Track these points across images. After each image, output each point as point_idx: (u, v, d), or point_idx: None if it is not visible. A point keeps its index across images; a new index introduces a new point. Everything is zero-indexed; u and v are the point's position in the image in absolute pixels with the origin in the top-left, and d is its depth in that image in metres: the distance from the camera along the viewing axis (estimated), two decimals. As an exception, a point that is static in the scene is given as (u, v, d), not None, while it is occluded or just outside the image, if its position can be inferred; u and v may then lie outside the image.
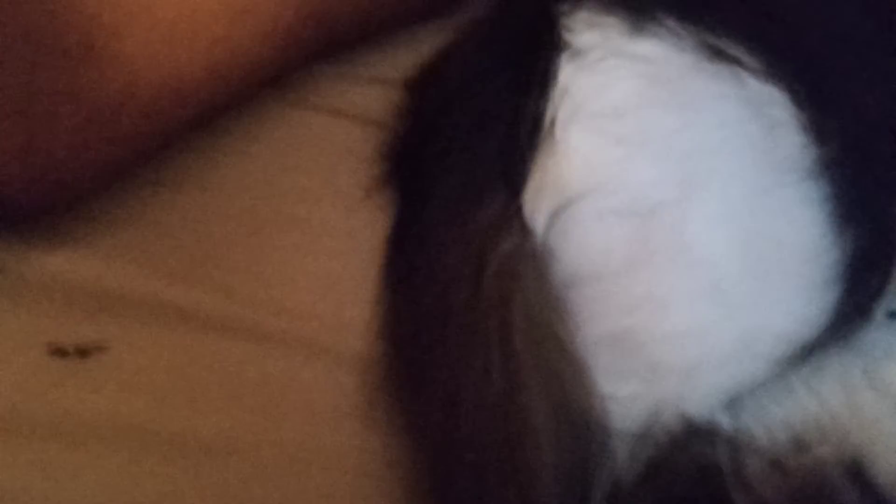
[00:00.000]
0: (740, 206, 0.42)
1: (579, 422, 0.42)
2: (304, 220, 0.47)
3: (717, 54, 0.43)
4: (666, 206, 0.43)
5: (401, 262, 0.47)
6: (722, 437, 0.39)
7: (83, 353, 0.40)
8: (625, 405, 0.43)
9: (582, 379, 0.43)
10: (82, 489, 0.40)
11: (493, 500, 0.40)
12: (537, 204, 0.45)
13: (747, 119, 0.42)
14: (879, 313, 0.43)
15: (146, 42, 0.41)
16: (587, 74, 0.44)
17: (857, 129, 0.42)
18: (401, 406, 0.43)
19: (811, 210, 0.42)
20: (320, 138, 0.49)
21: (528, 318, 0.43)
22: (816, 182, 0.42)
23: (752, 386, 0.43)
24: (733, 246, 0.42)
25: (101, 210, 0.44)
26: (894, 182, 0.43)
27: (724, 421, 0.42)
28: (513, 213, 0.45)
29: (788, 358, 0.42)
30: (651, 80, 0.44)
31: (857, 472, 0.36)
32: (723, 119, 0.43)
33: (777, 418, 0.41)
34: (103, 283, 0.43)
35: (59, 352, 0.40)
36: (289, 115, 0.50)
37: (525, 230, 0.45)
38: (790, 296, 0.42)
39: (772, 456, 0.38)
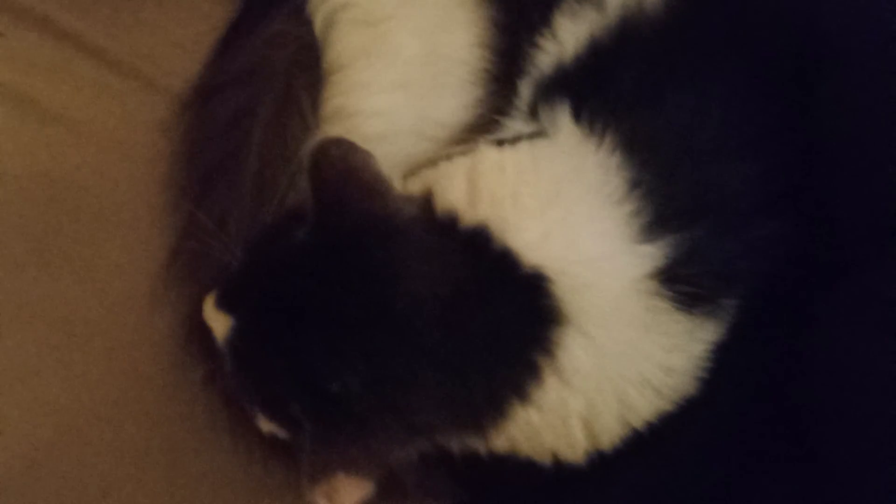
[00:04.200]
0: (428, 24, 0.59)
1: (287, 155, 0.60)
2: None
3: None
4: (386, 19, 0.60)
5: (230, 33, 0.66)
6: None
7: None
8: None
9: (306, 131, 0.61)
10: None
11: (217, 185, 0.59)
12: (316, 8, 0.63)
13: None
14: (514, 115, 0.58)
15: None
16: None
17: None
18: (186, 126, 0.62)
19: (473, 31, 0.58)
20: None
21: (283, 82, 0.62)
22: (478, 11, 0.58)
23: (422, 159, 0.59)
24: (420, 53, 0.59)
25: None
26: (535, 18, 0.56)
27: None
28: (300, 12, 0.63)
29: (446, 139, 0.59)
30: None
31: (427, 203, 0.52)
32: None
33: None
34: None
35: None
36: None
37: (307, 25, 0.63)
38: (450, 93, 0.58)
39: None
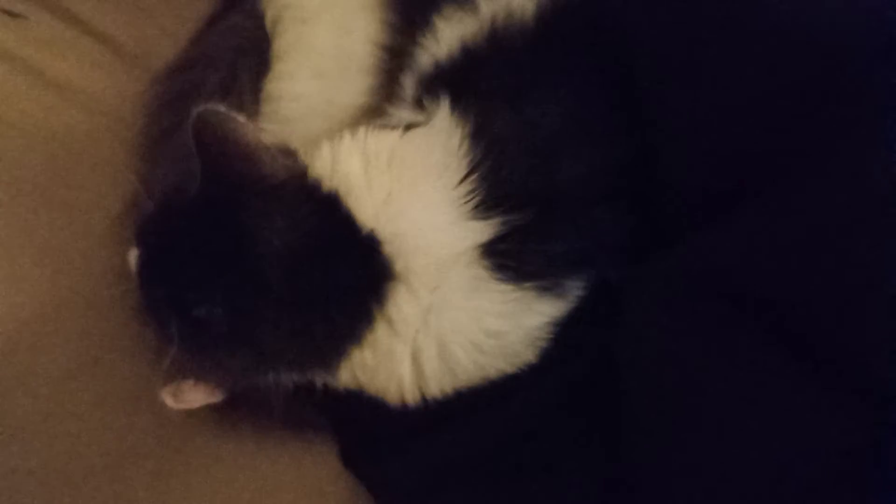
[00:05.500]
0: (338, 25, 0.69)
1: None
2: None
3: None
4: (311, 19, 0.70)
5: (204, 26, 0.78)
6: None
7: (14, 15, 0.76)
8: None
9: (241, 108, 0.72)
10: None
11: (161, 151, 0.71)
12: (267, 5, 0.74)
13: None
14: (399, 105, 0.67)
15: None
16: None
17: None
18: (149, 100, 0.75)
19: (370, 31, 0.67)
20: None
21: (228, 67, 0.73)
22: (374, 14, 0.67)
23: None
24: (331, 48, 0.69)
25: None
26: (418, 20, 0.66)
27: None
28: (254, 10, 0.75)
29: (348, 121, 0.68)
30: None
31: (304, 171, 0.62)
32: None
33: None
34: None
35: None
36: None
37: (257, 19, 0.74)
38: (351, 82, 0.68)
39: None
